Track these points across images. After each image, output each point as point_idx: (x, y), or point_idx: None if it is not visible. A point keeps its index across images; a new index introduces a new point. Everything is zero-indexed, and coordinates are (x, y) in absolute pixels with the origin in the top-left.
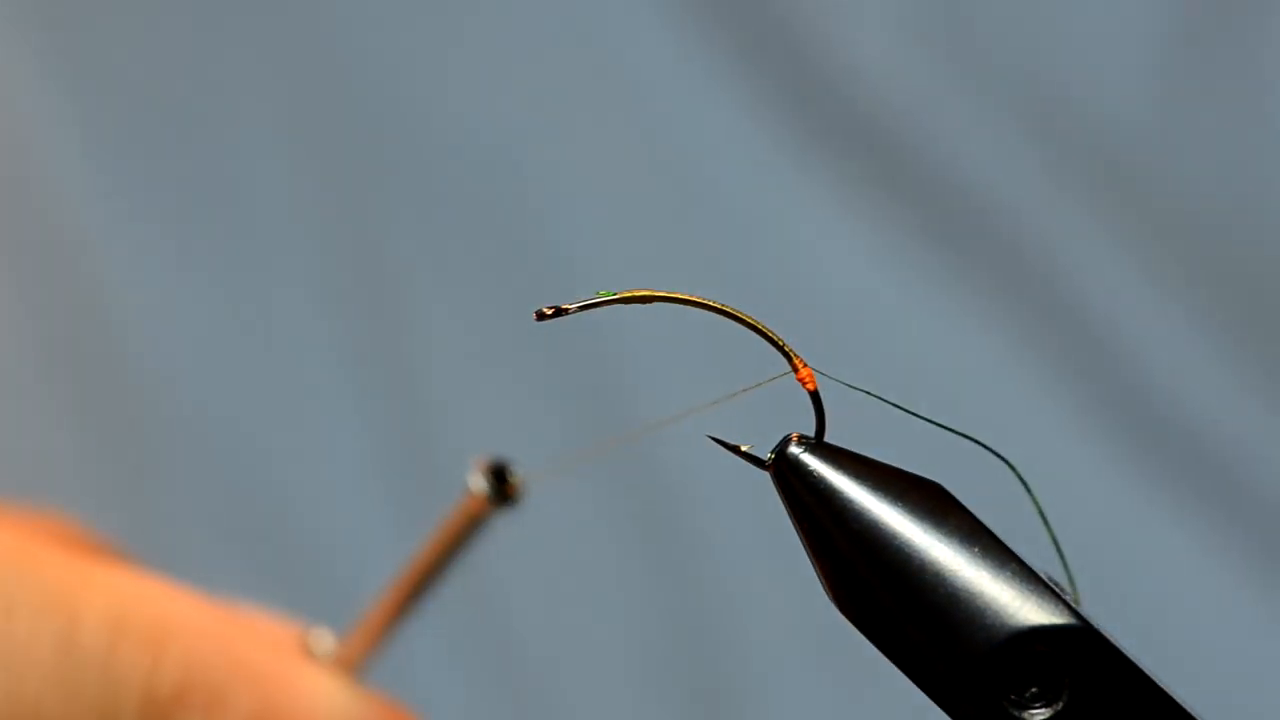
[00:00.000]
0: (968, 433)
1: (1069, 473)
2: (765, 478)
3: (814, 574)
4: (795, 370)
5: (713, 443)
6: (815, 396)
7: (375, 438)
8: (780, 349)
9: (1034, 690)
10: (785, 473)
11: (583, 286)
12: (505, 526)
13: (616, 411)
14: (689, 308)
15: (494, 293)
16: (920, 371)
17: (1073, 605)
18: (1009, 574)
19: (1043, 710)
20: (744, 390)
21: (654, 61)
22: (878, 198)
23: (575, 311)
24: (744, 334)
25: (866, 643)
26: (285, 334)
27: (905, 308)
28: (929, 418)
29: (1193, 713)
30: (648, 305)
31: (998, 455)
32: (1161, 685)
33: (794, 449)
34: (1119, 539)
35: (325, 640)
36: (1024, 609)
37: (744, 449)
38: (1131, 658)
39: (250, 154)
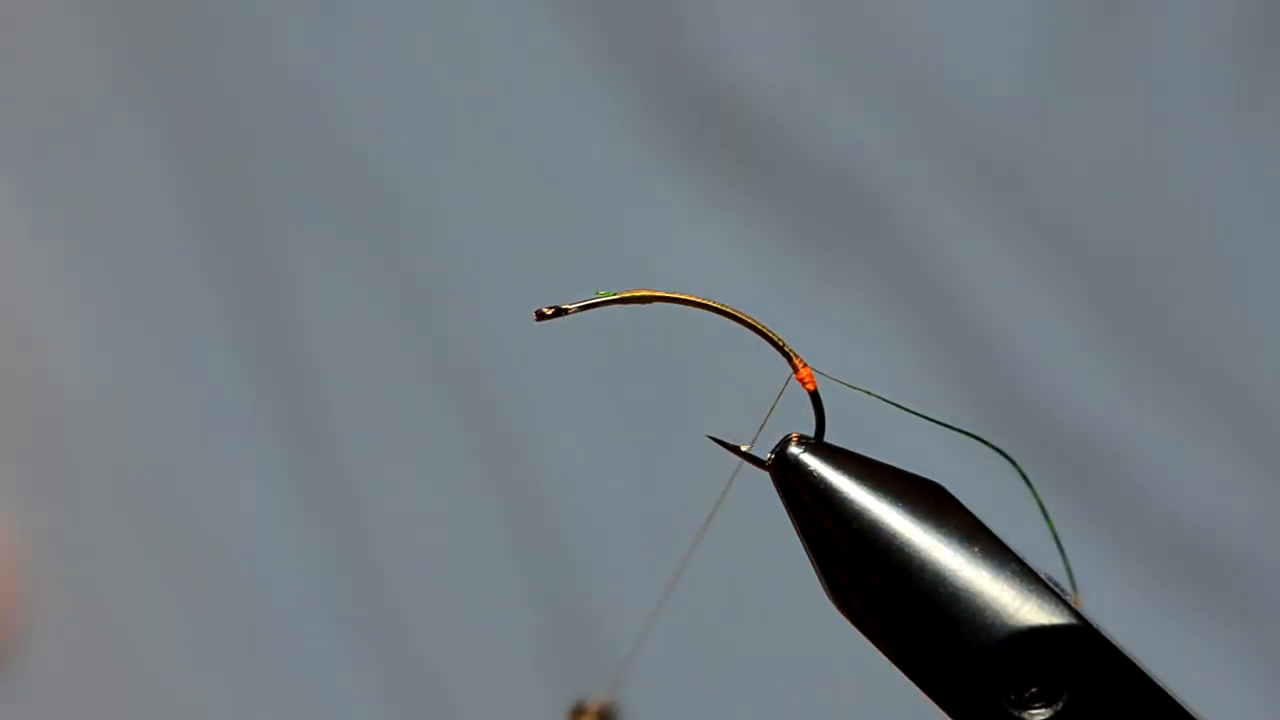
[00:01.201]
0: (970, 431)
1: (948, 469)
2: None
3: (812, 573)
4: (795, 370)
5: (712, 442)
6: (815, 396)
7: (268, 433)
8: (780, 349)
9: (1034, 690)
10: (785, 473)
11: (460, 280)
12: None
13: (498, 401)
14: (689, 308)
15: (377, 288)
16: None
17: (1073, 605)
18: (1009, 574)
19: (1043, 710)
20: (771, 409)
21: (526, 54)
22: (751, 193)
23: (575, 312)
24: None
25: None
26: (177, 333)
27: (779, 304)
28: (929, 417)
29: (1193, 713)
30: (647, 305)
31: (1000, 452)
32: (1161, 685)
33: (794, 449)
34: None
35: None
36: (1024, 609)
37: (744, 449)
38: (1131, 658)
39: (141, 168)
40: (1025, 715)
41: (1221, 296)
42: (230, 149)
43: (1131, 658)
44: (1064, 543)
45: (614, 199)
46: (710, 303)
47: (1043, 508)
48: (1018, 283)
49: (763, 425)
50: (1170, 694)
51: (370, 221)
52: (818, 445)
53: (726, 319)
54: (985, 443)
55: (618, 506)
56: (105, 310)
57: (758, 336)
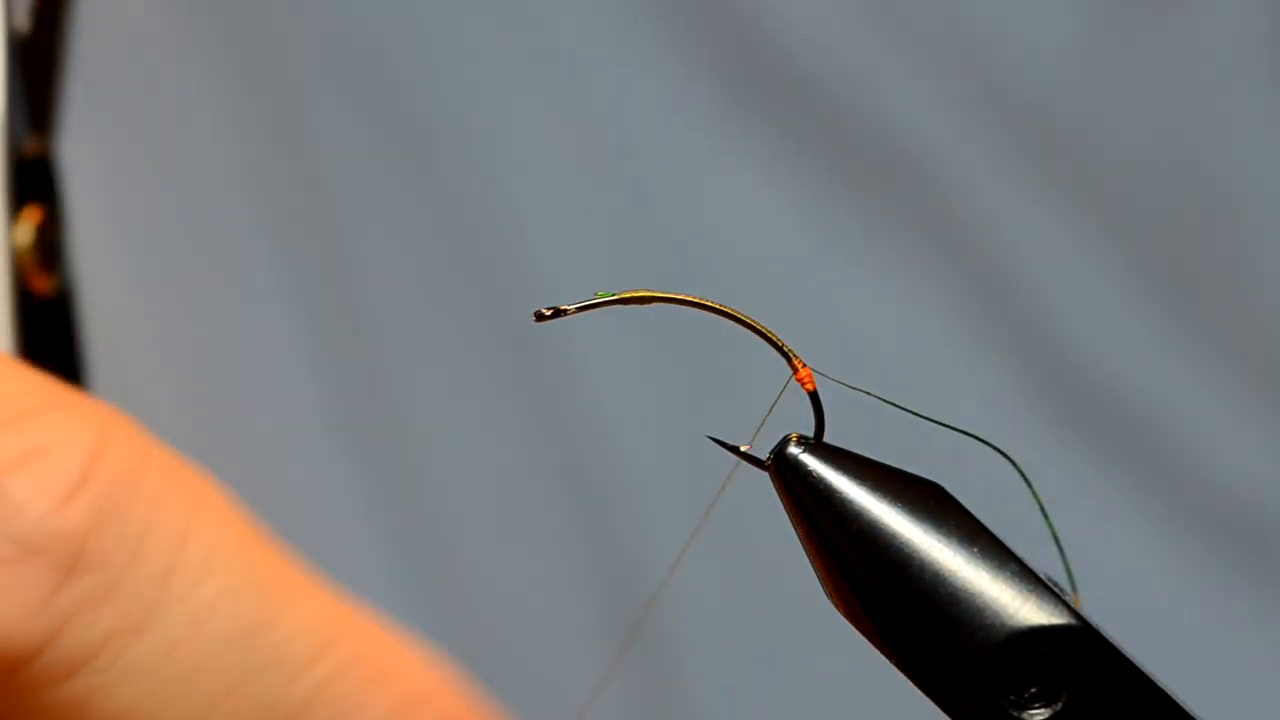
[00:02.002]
0: (971, 431)
1: (993, 433)
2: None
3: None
4: (794, 370)
5: (712, 442)
6: (814, 396)
7: (326, 393)
8: (780, 349)
9: (1034, 690)
10: (784, 473)
11: (515, 242)
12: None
13: (549, 357)
14: (687, 308)
15: (433, 240)
16: (846, 331)
17: (1072, 605)
18: (1008, 574)
19: (1043, 710)
20: (768, 413)
21: (584, 19)
22: (803, 154)
23: (574, 313)
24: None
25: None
26: (237, 283)
27: (832, 267)
28: (929, 417)
29: (1192, 713)
30: (645, 306)
31: (1000, 452)
32: (1161, 685)
33: (793, 449)
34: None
35: None
36: (1023, 609)
37: (743, 449)
38: (1131, 658)
39: (205, 119)
40: (1025, 715)
41: (1270, 264)
42: (298, 111)
43: (1131, 658)
44: (1107, 509)
45: (666, 156)
46: (709, 303)
47: (1043, 507)
48: (1064, 246)
49: (760, 426)
50: (1170, 694)
51: (427, 173)
52: (817, 445)
53: (727, 319)
54: (986, 443)
55: (661, 464)
56: (164, 254)
57: (760, 338)
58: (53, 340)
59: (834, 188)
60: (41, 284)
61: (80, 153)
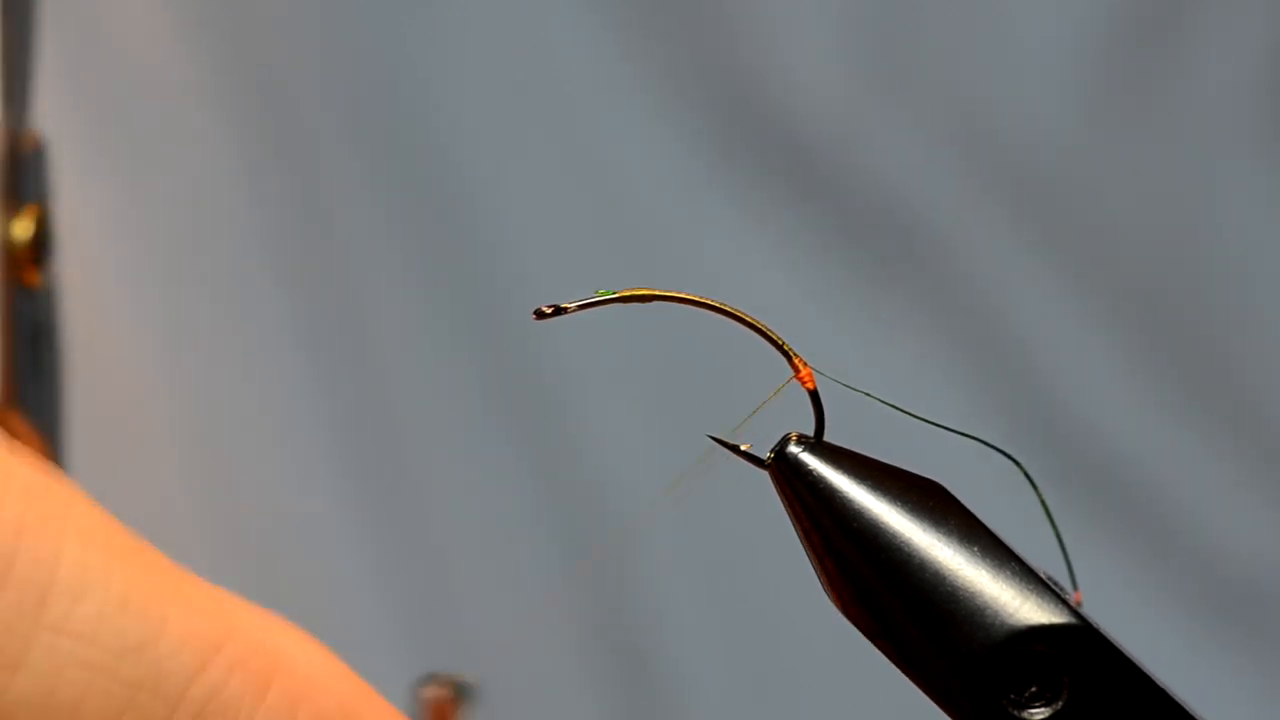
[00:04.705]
0: (971, 433)
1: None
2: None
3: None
4: (795, 370)
5: (712, 442)
6: (815, 396)
7: (327, 418)
8: (780, 349)
9: (1034, 690)
10: (785, 472)
11: (510, 279)
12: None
13: (549, 368)
14: (689, 307)
15: (436, 278)
16: (837, 389)
17: (1072, 604)
18: (1008, 573)
19: (1042, 710)
20: (763, 404)
21: (583, 69)
22: (798, 212)
23: (574, 311)
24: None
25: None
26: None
27: (825, 325)
28: (929, 418)
29: (1193, 713)
30: (646, 304)
31: (1003, 453)
32: (1161, 685)
33: (793, 448)
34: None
35: None
36: (1023, 608)
37: (743, 448)
38: (1131, 657)
39: (210, 155)
40: (1025, 714)
41: (1265, 332)
42: (307, 157)
43: (1131, 657)
44: (1097, 574)
45: (663, 209)
46: (710, 301)
47: (1045, 507)
48: (1060, 313)
49: (746, 420)
50: (1170, 694)
51: (429, 216)
52: (817, 444)
53: (728, 319)
54: (987, 444)
55: (662, 463)
56: (170, 286)
57: (761, 337)
58: (36, 330)
59: (829, 247)
60: (32, 277)
61: (84, 173)
